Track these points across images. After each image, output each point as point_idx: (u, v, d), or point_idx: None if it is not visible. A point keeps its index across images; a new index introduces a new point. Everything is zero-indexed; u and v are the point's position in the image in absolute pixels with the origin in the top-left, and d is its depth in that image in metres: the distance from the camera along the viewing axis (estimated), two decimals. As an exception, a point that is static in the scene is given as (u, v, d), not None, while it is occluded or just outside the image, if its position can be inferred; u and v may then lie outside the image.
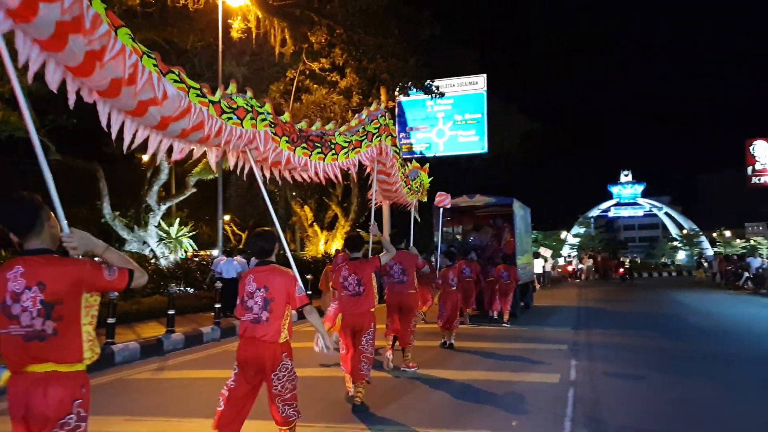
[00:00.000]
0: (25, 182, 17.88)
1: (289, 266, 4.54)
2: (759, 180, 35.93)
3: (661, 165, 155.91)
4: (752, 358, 9.01)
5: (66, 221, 2.68)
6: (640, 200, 76.72)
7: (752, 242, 47.88)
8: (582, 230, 65.00)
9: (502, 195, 15.09)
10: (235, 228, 33.15)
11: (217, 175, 17.03)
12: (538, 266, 25.26)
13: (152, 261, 17.16)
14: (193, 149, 4.52)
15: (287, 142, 5.05)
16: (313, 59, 20.47)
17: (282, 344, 4.11)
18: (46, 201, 2.65)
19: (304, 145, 5.32)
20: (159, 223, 20.25)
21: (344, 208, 25.88)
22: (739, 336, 11.55)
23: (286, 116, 5.21)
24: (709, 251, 57.33)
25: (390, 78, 20.62)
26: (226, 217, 30.13)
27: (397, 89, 22.04)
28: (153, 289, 14.31)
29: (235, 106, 4.38)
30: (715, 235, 62.87)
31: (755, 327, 12.97)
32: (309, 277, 16.07)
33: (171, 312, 10.29)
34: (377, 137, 6.74)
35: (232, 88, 4.51)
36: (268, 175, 5.35)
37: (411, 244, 8.38)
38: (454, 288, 9.77)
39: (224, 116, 4.25)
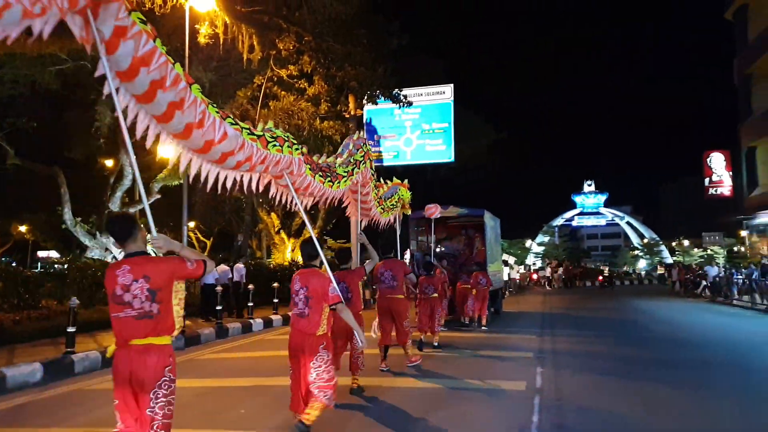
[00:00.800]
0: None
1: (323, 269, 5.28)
2: (716, 191, 36.98)
3: (624, 174, 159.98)
4: (713, 363, 9.26)
5: (154, 228, 3.51)
6: (603, 210, 78.48)
7: (709, 251, 49.24)
8: (546, 239, 66.21)
9: (467, 203, 15.89)
10: (200, 235, 32.68)
11: (182, 182, 16.76)
12: (505, 274, 25.66)
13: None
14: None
15: (310, 169, 5.92)
16: (281, 66, 20.33)
17: (319, 336, 4.80)
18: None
19: (320, 173, 6.20)
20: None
21: (311, 216, 25.76)
22: (699, 343, 11.86)
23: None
24: (669, 260, 58.91)
25: (358, 86, 20.60)
26: (191, 224, 29.66)
27: (365, 97, 22.06)
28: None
29: (275, 135, 5.14)
30: (674, 244, 64.65)
31: (713, 334, 13.37)
32: (275, 285, 15.94)
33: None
34: (363, 164, 7.63)
35: (270, 123, 5.29)
36: (300, 203, 5.98)
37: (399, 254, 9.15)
38: (435, 295, 10.35)
39: (269, 146, 5.02)
